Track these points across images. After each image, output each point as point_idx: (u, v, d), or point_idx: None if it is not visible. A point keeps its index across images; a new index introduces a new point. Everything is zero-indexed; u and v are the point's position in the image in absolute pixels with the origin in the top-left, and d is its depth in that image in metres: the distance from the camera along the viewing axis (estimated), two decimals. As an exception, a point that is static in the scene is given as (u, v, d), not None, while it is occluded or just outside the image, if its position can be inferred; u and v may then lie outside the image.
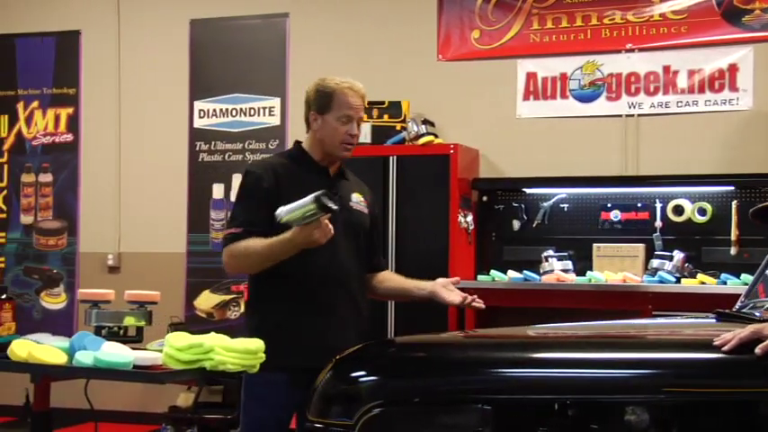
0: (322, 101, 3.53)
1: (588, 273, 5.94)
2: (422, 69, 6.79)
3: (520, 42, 6.58)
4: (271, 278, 3.41)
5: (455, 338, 3.24)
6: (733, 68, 6.12)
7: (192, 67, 7.37)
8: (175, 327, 6.47)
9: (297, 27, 7.13)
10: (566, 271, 5.99)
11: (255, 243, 3.32)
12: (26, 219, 7.77)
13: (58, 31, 7.72)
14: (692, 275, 5.77)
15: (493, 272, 6.11)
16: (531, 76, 6.56)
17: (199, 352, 2.59)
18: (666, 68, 6.27)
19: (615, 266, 5.98)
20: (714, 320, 3.20)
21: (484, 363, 2.90)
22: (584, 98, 6.45)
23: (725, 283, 5.61)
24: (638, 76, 6.33)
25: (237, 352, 2.67)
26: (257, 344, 2.76)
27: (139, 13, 7.53)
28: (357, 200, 3.63)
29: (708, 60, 6.17)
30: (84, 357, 2.50)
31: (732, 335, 2.74)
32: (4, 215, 7.82)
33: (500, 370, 2.85)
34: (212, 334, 2.77)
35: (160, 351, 2.66)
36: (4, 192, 7.83)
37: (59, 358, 2.55)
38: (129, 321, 3.05)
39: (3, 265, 7.81)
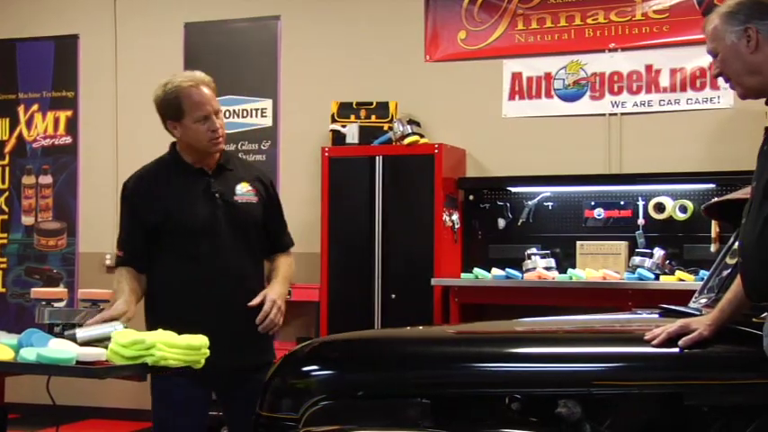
0: (172, 109, 3.43)
1: (570, 270, 6.00)
2: (410, 70, 6.86)
3: (505, 43, 6.65)
4: (163, 283, 3.40)
5: (398, 334, 3.33)
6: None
7: (186, 69, 7.46)
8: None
9: (288, 29, 7.22)
10: (548, 269, 6.05)
11: (120, 282, 3.36)
12: (27, 220, 7.91)
13: (57, 36, 7.85)
14: (672, 272, 5.82)
15: (476, 270, 6.19)
16: (516, 76, 6.62)
17: (141, 348, 2.69)
18: (649, 67, 6.32)
19: (598, 264, 6.03)
20: (657, 316, 3.28)
21: (423, 358, 3.00)
22: (569, 97, 6.51)
23: (702, 279, 5.63)
24: (621, 75, 6.38)
25: (180, 348, 2.77)
26: (201, 340, 2.86)
27: (135, 18, 7.65)
28: (243, 190, 3.52)
29: (689, 59, 6.20)
30: (28, 354, 2.61)
31: (661, 329, 2.81)
32: (5, 216, 7.97)
33: (438, 365, 2.95)
34: (159, 331, 2.87)
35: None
36: (6, 193, 7.97)
37: (6, 355, 2.66)
38: (83, 319, 3.16)
39: (5, 266, 7.96)
